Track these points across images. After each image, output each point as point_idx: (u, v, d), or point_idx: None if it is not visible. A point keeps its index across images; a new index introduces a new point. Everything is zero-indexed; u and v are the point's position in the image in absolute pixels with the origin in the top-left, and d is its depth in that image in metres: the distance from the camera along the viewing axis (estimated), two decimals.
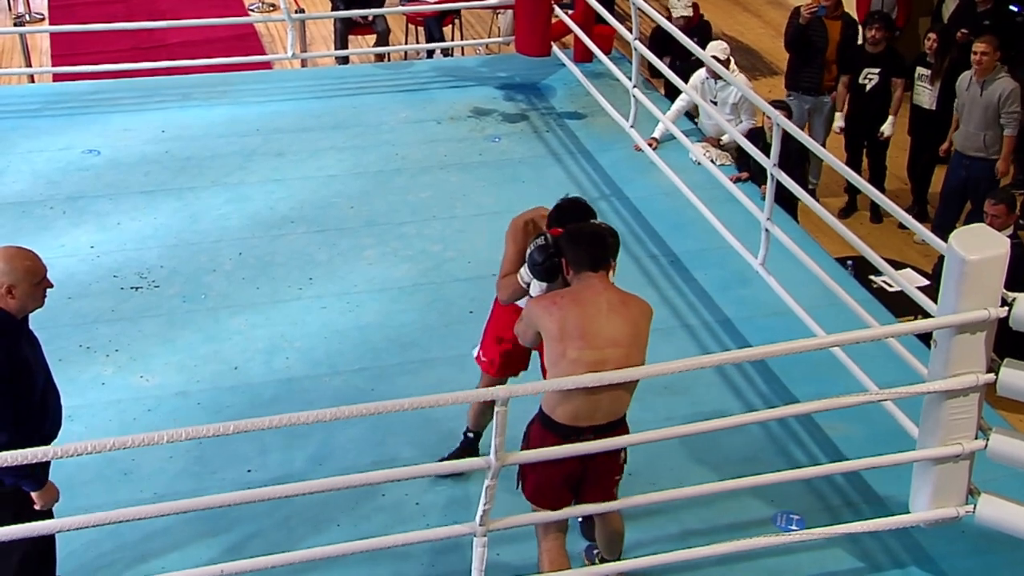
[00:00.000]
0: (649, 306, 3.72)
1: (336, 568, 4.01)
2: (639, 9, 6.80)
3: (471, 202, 6.55)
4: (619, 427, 3.68)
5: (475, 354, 4.38)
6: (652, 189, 6.65)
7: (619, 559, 3.95)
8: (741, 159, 6.78)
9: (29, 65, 8.93)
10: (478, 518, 3.55)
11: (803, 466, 4.52)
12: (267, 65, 8.85)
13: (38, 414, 3.63)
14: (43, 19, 10.76)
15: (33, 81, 8.74)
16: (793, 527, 4.29)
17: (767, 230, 5.37)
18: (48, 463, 3.64)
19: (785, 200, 6.14)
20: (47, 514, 3.65)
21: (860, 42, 8.24)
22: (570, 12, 7.82)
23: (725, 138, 6.96)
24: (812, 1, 7.91)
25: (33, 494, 3.60)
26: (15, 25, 10.45)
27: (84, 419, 4.71)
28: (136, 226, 6.25)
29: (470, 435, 4.47)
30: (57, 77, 8.48)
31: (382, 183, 6.77)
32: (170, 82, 7.99)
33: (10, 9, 10.87)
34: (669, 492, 3.97)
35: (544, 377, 3.87)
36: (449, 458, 4.35)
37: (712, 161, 6.49)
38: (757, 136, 6.71)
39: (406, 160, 7.04)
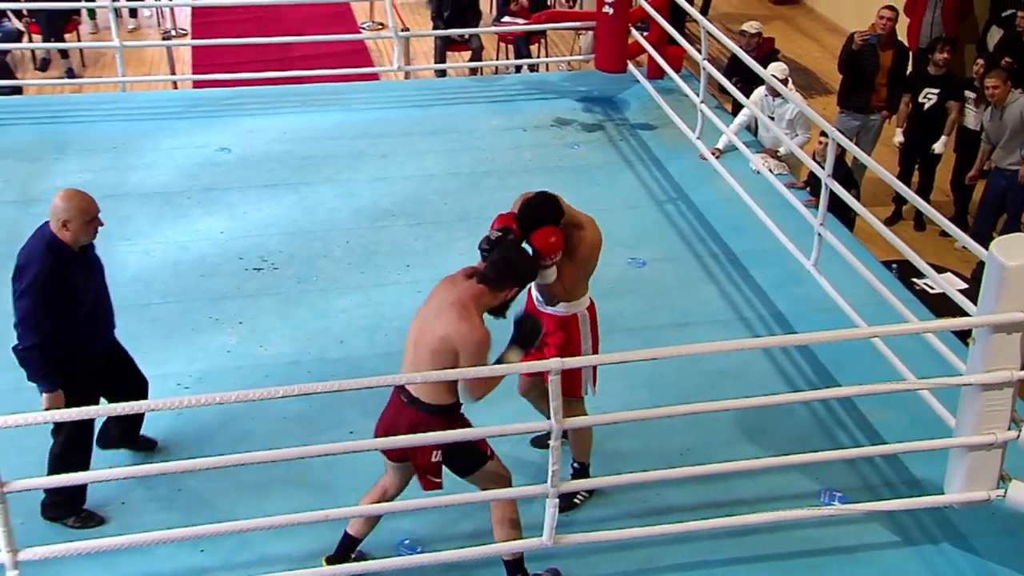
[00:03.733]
0: (460, 334, 3.41)
1: (408, 521, 4.06)
2: (708, 32, 6.71)
3: None
4: (416, 405, 3.57)
5: None
6: (715, 195, 6.55)
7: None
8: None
9: (173, 73, 9.13)
10: (549, 479, 3.55)
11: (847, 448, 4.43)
12: (375, 77, 8.93)
13: (81, 330, 3.74)
14: (186, 34, 10.99)
15: (176, 87, 8.93)
16: (836, 503, 4.20)
17: (819, 234, 5.26)
18: (64, 373, 3.71)
19: (838, 214, 6.00)
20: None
21: (909, 70, 8.03)
22: (645, 33, 7.75)
23: (782, 150, 6.83)
24: (866, 29, 7.74)
25: (43, 395, 3.68)
26: (163, 39, 10.71)
27: (212, 382, 4.82)
28: (260, 215, 6.35)
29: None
30: (197, 84, 8.67)
31: (473, 183, 6.79)
32: (292, 90, 8.08)
33: (159, 25, 11.15)
34: (722, 465, 3.92)
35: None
36: None
37: (770, 171, 6.37)
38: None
39: (495, 163, 7.04)
